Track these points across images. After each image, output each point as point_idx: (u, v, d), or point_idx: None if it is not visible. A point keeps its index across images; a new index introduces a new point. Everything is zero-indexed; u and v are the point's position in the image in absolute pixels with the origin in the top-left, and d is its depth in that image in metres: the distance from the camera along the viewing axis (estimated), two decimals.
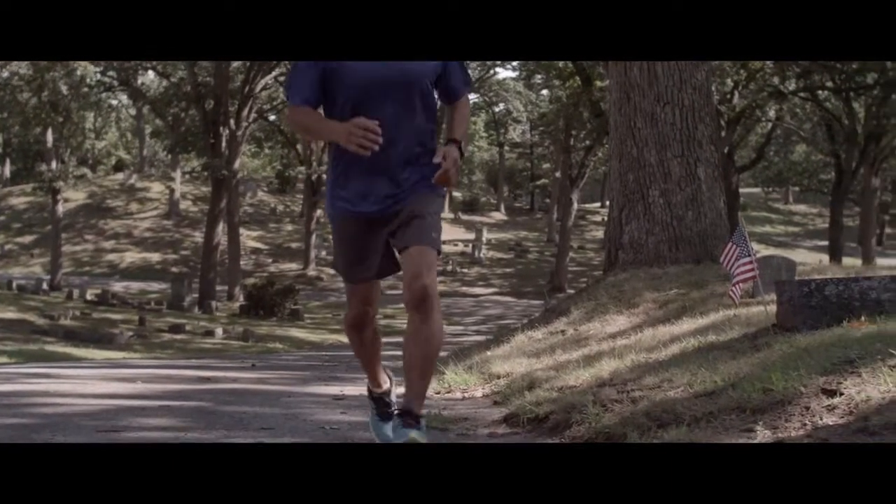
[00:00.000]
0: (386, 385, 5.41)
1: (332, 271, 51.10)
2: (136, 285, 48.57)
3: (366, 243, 4.85)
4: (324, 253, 52.65)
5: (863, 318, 7.03)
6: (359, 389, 9.24)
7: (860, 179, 44.62)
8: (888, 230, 62.50)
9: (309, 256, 52.68)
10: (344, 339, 29.69)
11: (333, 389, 9.25)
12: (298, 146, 50.02)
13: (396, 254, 4.82)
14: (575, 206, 48.71)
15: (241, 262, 45.44)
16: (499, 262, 55.21)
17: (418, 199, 4.74)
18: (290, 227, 63.15)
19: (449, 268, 50.13)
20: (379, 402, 5.38)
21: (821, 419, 4.70)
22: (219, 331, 29.30)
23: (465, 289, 47.86)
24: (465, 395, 8.90)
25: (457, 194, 63.30)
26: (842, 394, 4.92)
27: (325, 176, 51.27)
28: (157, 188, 67.02)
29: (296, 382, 10.57)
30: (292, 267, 54.06)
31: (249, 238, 57.23)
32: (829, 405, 4.83)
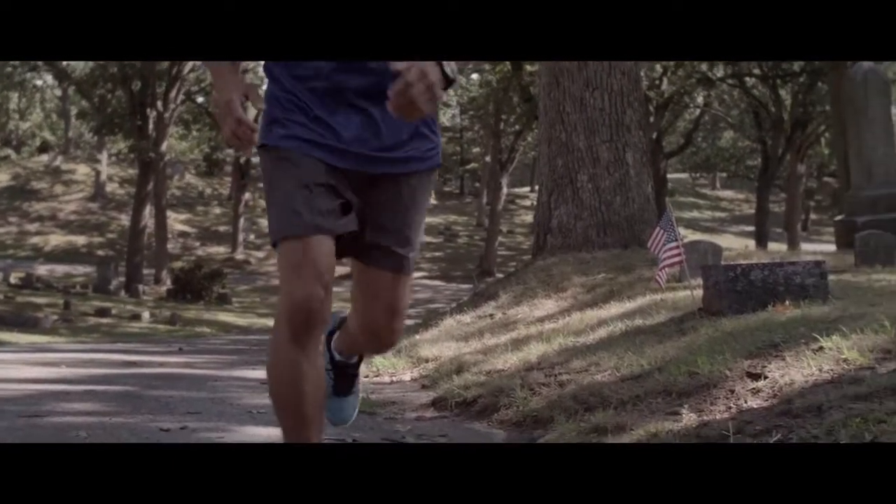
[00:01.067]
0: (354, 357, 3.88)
1: (260, 254, 50.82)
2: (61, 269, 47.97)
3: (326, 180, 3.09)
4: (252, 237, 52.32)
5: (787, 303, 7.12)
6: None
7: (786, 166, 45.10)
8: (813, 216, 63.27)
9: (237, 240, 52.32)
10: (273, 322, 29.49)
11: (261, 373, 9.20)
12: None
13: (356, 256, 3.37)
14: (504, 190, 48.82)
15: (169, 246, 45.04)
16: (428, 245, 55.20)
17: (406, 195, 3.24)
18: (217, 211, 62.68)
19: None
20: (340, 369, 3.84)
21: (745, 402, 4.74)
22: (146, 315, 29.05)
23: None
24: (394, 378, 8.89)
25: None
26: (766, 377, 4.97)
27: (254, 159, 50.94)
28: (82, 170, 66.20)
29: (223, 366, 10.51)
30: (220, 250, 53.66)
31: (177, 221, 56.73)
32: (753, 388, 4.88)
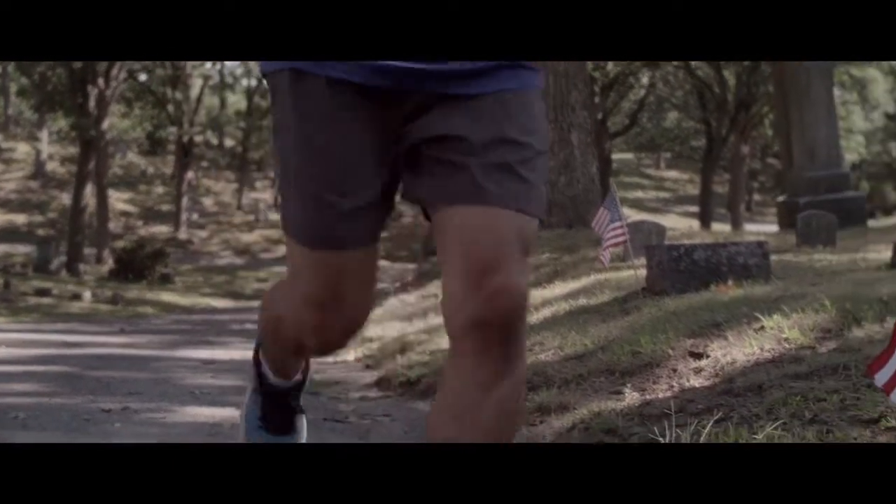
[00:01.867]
0: (298, 373, 2.74)
1: (204, 234, 50.57)
2: (0, 248, 47.51)
3: (361, 139, 2.09)
4: (195, 216, 51.99)
5: (730, 283, 7.16)
6: (229, 354, 9.17)
7: (730, 147, 45.42)
8: (757, 197, 63.78)
9: (180, 219, 51.97)
10: (216, 302, 29.39)
11: (203, 353, 9.16)
12: (169, 106, 49.27)
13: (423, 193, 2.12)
14: None
15: (111, 225, 44.66)
16: None
17: (500, 105, 2.07)
18: (160, 190, 62.19)
19: None
20: (275, 397, 2.73)
21: (687, 381, 4.77)
22: (87, 294, 28.76)
23: None
24: (337, 358, 8.87)
25: None
26: (708, 356, 5.00)
27: (196, 138, 50.61)
28: (23, 148, 65.41)
29: (165, 347, 10.45)
30: (163, 230, 53.31)
31: (119, 200, 56.25)
32: (695, 367, 4.91)
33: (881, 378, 2.54)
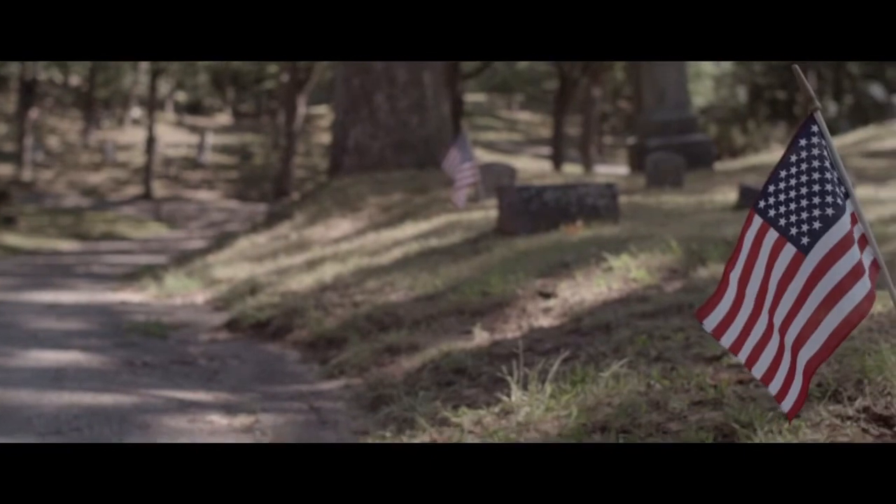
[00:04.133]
0: None
1: (49, 174, 49.43)
2: None
3: None
4: (40, 155, 50.69)
5: (579, 223, 7.24)
6: (74, 297, 8.97)
7: (582, 89, 45.87)
8: (608, 139, 64.62)
9: (23, 159, 50.68)
10: (62, 244, 28.75)
11: (48, 296, 8.95)
12: None
13: None
14: (302, 109, 48.42)
15: None
16: (223, 166, 54.52)
17: None
18: (2, 129, 60.51)
19: (172, 172, 49.18)
20: None
21: (536, 321, 4.81)
22: None
23: (188, 193, 47.09)
24: (186, 300, 8.75)
25: (180, 97, 61.68)
26: (557, 296, 5.05)
27: (39, 76, 49.24)
28: None
29: (8, 290, 10.17)
30: (5, 170, 51.95)
31: None
32: (544, 307, 4.95)
33: (709, 323, 2.56)
